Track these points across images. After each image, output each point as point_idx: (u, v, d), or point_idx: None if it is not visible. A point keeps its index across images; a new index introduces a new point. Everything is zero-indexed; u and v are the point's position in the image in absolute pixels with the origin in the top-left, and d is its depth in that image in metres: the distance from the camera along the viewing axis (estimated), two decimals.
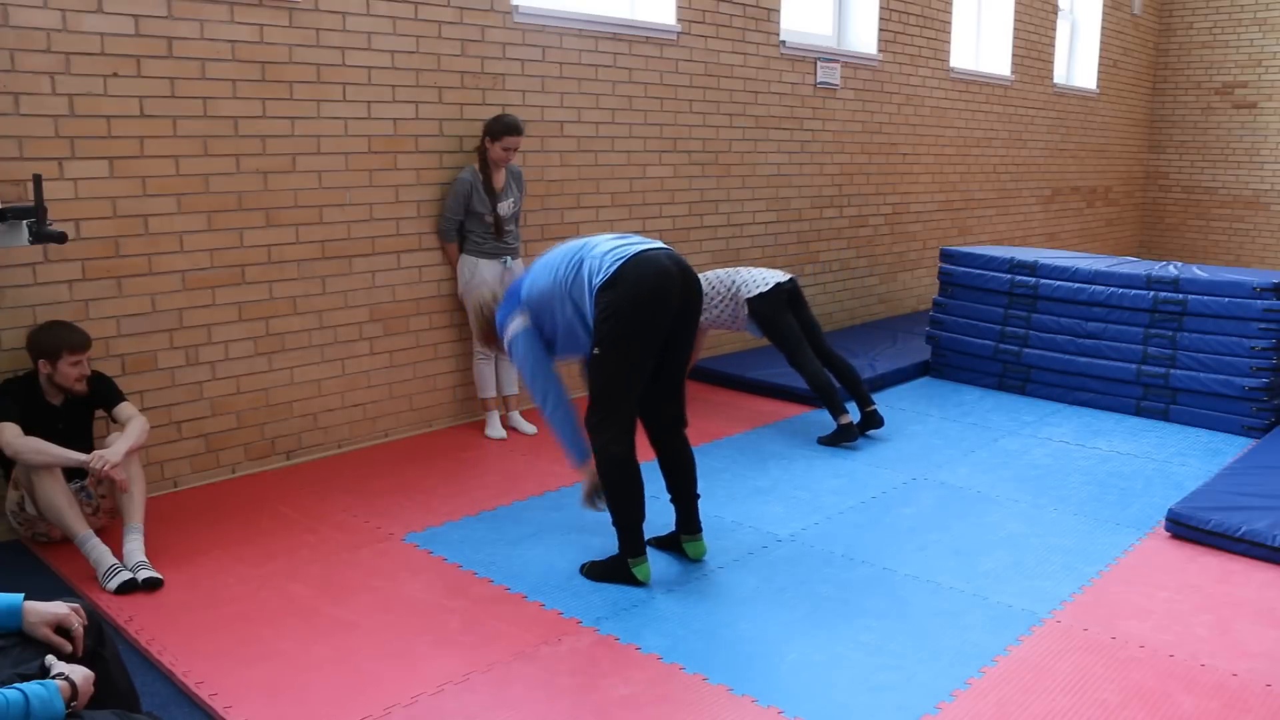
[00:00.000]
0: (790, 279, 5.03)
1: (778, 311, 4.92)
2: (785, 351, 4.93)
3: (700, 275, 5.22)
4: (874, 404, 4.96)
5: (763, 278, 5.00)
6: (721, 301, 5.07)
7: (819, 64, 6.82)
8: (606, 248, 3.22)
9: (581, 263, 3.23)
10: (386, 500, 4.00)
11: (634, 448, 3.22)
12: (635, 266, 3.12)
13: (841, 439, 4.79)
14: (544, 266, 3.36)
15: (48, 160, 3.61)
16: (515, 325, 3.35)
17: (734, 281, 5.04)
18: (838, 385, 4.93)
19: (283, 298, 4.32)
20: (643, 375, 3.20)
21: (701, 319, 5.17)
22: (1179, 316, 5.16)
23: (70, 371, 3.40)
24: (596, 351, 3.15)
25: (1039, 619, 3.09)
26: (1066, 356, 5.53)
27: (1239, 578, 3.40)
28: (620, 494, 3.22)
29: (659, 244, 3.26)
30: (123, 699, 2.18)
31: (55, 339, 3.40)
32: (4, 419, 3.28)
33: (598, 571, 3.35)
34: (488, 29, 4.88)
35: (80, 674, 1.93)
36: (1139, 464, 4.58)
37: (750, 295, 4.95)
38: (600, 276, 3.15)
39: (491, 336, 3.58)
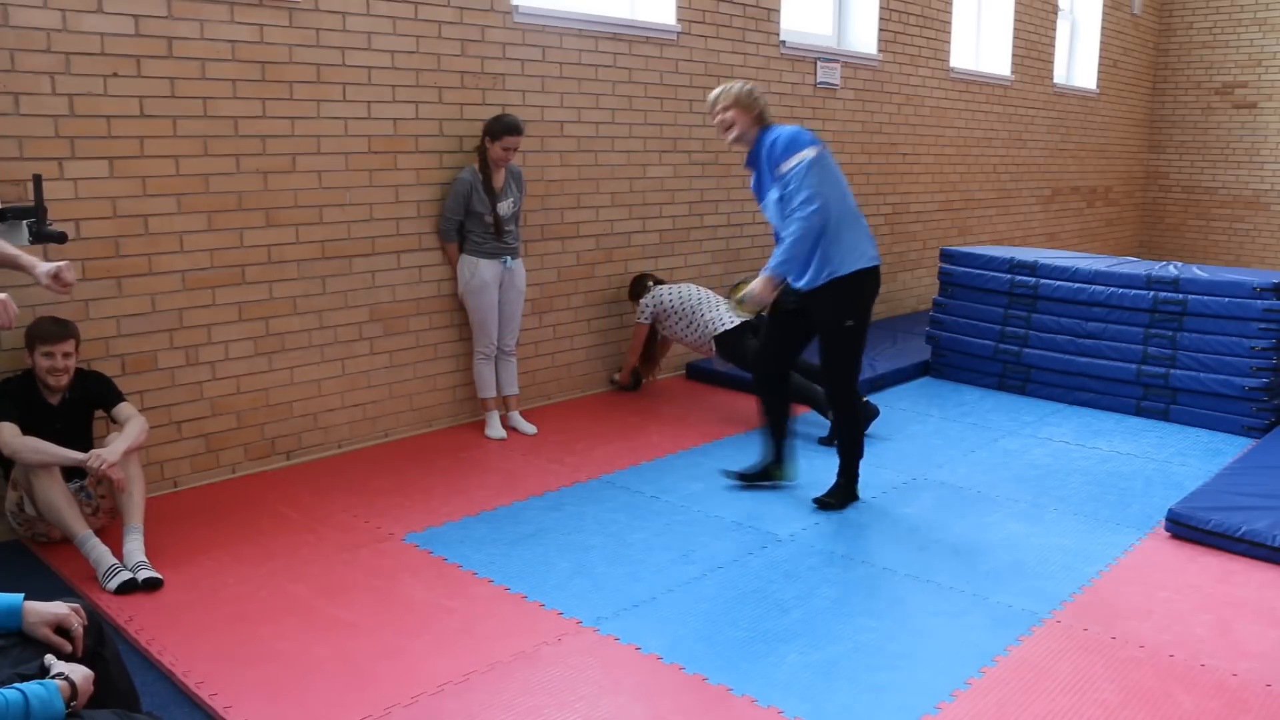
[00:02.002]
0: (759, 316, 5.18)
1: (741, 341, 5.11)
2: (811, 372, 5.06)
3: (675, 286, 5.36)
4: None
5: (730, 315, 5.19)
6: (690, 325, 5.25)
7: (819, 64, 6.82)
8: (873, 244, 3.85)
9: (855, 223, 3.79)
10: (386, 500, 4.00)
11: None
12: (878, 277, 3.87)
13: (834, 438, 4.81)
14: (832, 180, 3.73)
15: (48, 160, 3.61)
16: (812, 151, 3.69)
17: (703, 316, 5.22)
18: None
19: (283, 298, 4.32)
20: None
21: (668, 332, 5.32)
22: (1179, 316, 5.16)
23: (41, 363, 3.37)
24: (851, 324, 3.81)
25: (1039, 619, 3.09)
26: (1066, 356, 5.54)
27: (1239, 578, 3.40)
28: (859, 440, 4.05)
29: None
30: (123, 699, 2.18)
31: (32, 330, 3.40)
32: (2, 418, 3.28)
33: (840, 499, 4.04)
34: (488, 29, 4.88)
35: (80, 674, 1.93)
36: (1139, 464, 4.58)
37: (717, 333, 5.14)
38: (864, 259, 3.77)
39: (743, 124, 3.82)
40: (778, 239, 3.83)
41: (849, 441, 4.03)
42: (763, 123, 3.81)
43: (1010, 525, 3.83)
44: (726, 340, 5.12)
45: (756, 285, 3.78)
